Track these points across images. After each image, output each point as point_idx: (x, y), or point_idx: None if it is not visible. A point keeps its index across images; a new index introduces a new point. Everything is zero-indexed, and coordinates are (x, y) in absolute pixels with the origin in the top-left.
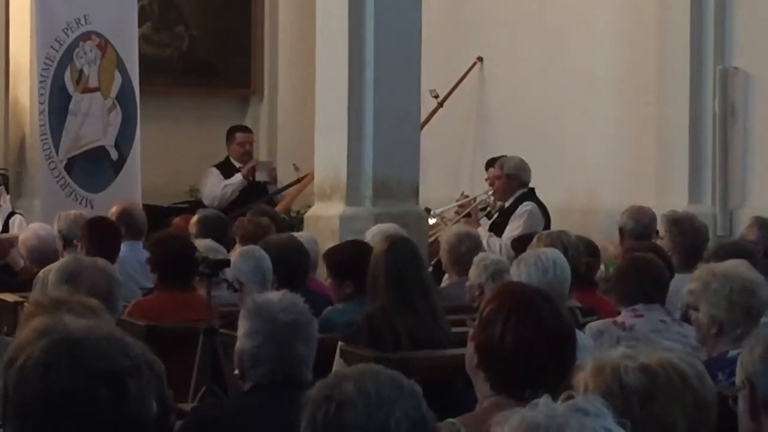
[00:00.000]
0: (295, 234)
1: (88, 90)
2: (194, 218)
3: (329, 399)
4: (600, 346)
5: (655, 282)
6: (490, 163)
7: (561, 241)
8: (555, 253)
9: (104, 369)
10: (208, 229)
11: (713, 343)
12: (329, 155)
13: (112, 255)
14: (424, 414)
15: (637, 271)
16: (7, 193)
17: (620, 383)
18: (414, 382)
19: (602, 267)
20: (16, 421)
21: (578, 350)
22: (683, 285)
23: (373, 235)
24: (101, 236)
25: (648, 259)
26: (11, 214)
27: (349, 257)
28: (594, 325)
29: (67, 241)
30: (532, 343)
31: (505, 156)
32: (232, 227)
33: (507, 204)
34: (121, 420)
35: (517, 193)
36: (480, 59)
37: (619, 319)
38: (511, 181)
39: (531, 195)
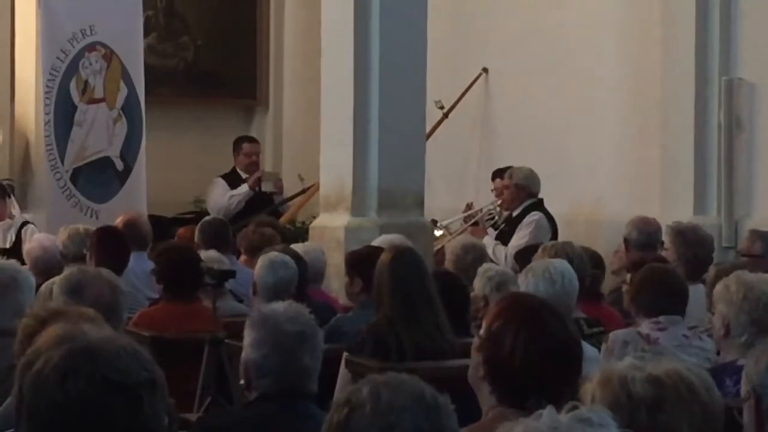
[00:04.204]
0: (304, 244)
1: (93, 101)
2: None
3: (347, 402)
4: (622, 356)
5: (676, 293)
6: (497, 174)
7: (566, 252)
8: (564, 265)
9: (121, 381)
10: (208, 236)
11: (725, 346)
12: (334, 166)
13: (121, 265)
14: (441, 429)
15: (658, 282)
16: None
17: (628, 394)
18: (446, 398)
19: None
20: (29, 424)
21: (584, 361)
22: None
23: (378, 245)
24: (110, 246)
25: (667, 270)
26: (24, 224)
27: (363, 256)
28: (619, 334)
29: (67, 258)
30: (541, 358)
31: (513, 166)
32: (235, 236)
33: (515, 213)
34: None
35: (526, 203)
36: (485, 70)
37: (643, 330)
38: (520, 191)
39: (539, 205)
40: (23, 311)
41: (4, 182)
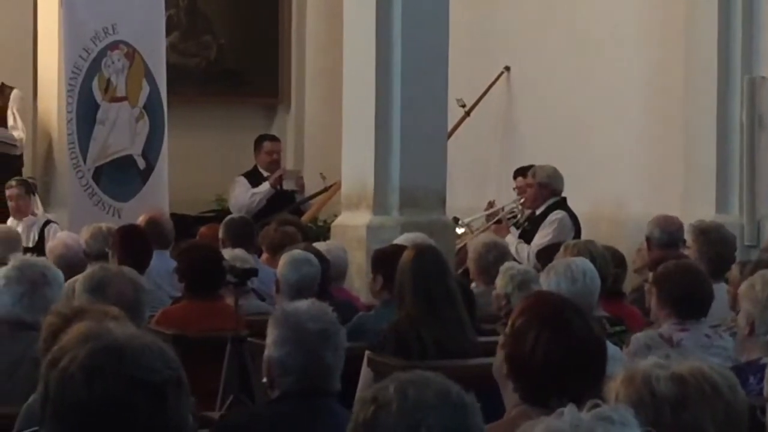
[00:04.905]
0: (325, 243)
1: (115, 99)
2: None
3: (373, 400)
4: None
5: (703, 294)
6: (519, 172)
7: (588, 251)
8: (585, 263)
9: (146, 379)
10: (233, 234)
11: (749, 344)
12: (356, 164)
13: (143, 263)
14: (467, 427)
15: (686, 283)
16: None
17: (652, 392)
18: (471, 396)
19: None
20: (54, 422)
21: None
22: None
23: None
24: (132, 245)
25: (691, 269)
26: (47, 223)
27: (387, 254)
28: (640, 337)
29: (90, 256)
30: (563, 357)
31: (536, 165)
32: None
33: (538, 212)
34: (159, 431)
35: (549, 202)
36: (507, 68)
37: (664, 332)
38: (543, 190)
39: (562, 204)
40: (51, 307)
41: (29, 180)
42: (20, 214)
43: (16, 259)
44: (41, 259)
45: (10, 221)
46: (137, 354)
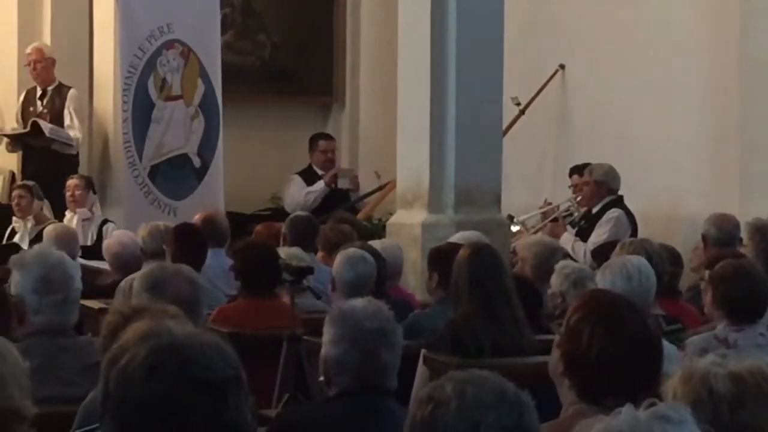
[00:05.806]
0: (381, 241)
1: (171, 98)
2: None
3: (430, 399)
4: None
5: (759, 298)
6: (574, 171)
7: (644, 249)
8: (641, 261)
9: (206, 377)
10: (298, 232)
11: None
12: (411, 163)
13: (199, 262)
14: (524, 426)
15: (742, 286)
16: None
17: (709, 390)
18: (527, 395)
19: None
20: (114, 420)
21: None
22: None
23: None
24: (188, 243)
25: (746, 270)
26: (104, 222)
27: (442, 252)
28: (696, 341)
29: (147, 254)
30: (618, 354)
31: (592, 163)
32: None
33: (594, 210)
34: (219, 430)
35: (605, 200)
36: (562, 67)
37: (719, 334)
38: (600, 188)
39: (619, 202)
40: (78, 300)
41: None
42: (74, 205)
43: (22, 262)
44: (46, 252)
45: (68, 215)
46: (197, 353)
